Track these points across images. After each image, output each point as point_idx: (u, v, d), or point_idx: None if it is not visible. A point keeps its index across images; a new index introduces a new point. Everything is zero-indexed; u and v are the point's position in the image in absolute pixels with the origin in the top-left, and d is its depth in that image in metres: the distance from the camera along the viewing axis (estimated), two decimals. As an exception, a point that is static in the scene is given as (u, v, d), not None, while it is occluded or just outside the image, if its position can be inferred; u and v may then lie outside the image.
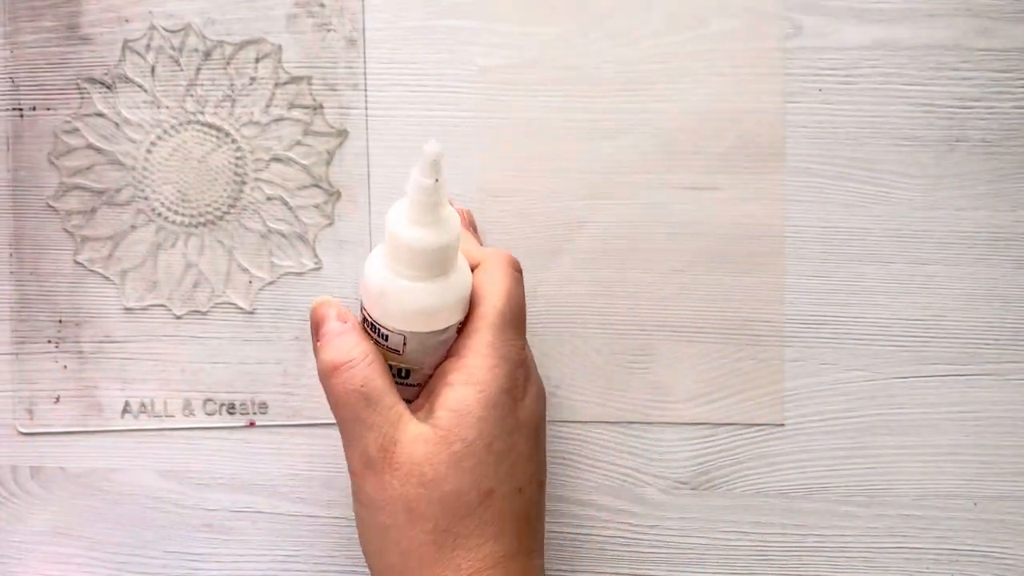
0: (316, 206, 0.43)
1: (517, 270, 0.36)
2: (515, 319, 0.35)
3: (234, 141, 0.43)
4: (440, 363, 0.35)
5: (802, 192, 0.43)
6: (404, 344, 0.33)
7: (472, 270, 0.35)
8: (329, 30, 0.43)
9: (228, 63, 0.42)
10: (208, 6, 0.43)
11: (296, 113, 0.43)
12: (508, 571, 0.32)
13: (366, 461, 0.33)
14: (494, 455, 0.33)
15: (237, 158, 0.43)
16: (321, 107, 0.43)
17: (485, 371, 0.33)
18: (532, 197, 0.43)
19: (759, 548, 0.43)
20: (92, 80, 0.43)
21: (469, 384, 0.33)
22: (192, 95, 0.43)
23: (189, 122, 0.43)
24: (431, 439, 0.32)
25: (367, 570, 0.43)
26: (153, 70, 0.42)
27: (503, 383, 0.33)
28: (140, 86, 0.43)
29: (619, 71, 0.43)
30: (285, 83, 0.43)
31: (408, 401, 0.34)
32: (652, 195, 0.43)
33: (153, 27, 0.43)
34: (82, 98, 0.43)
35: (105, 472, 0.43)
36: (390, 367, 0.34)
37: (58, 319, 0.43)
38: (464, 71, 0.43)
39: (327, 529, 0.43)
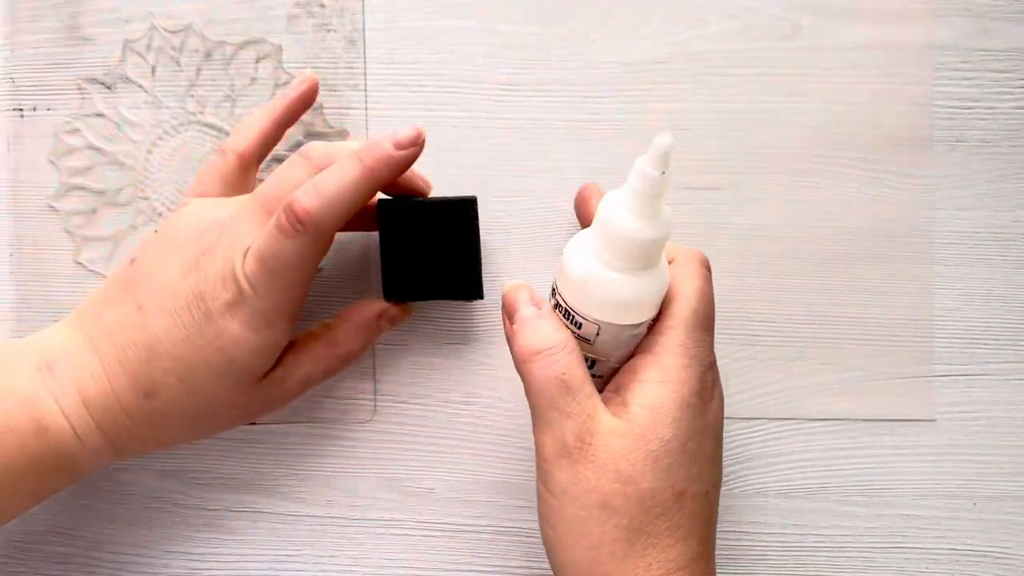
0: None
1: (708, 268, 0.36)
2: (707, 319, 0.34)
3: None
4: (627, 358, 0.35)
5: (800, 193, 0.43)
6: (597, 334, 0.33)
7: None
8: (329, 30, 0.43)
9: (229, 63, 0.42)
10: (208, 6, 0.43)
11: None
12: (694, 574, 0.32)
13: (562, 450, 0.33)
14: (688, 456, 0.33)
15: None
16: (321, 107, 0.43)
17: (679, 370, 0.33)
18: (532, 197, 0.43)
19: (759, 548, 0.43)
20: (93, 80, 0.43)
21: (664, 383, 0.33)
22: (193, 95, 0.43)
23: (190, 122, 0.43)
24: (628, 435, 0.32)
25: (366, 570, 0.43)
26: (154, 70, 0.43)
27: (695, 384, 0.33)
28: (141, 86, 0.43)
29: (620, 71, 0.43)
30: (285, 83, 0.43)
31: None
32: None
33: (154, 27, 0.43)
34: (83, 98, 0.43)
35: (105, 472, 0.43)
36: None
37: (58, 319, 0.43)
38: (464, 71, 0.43)
39: (327, 529, 0.43)
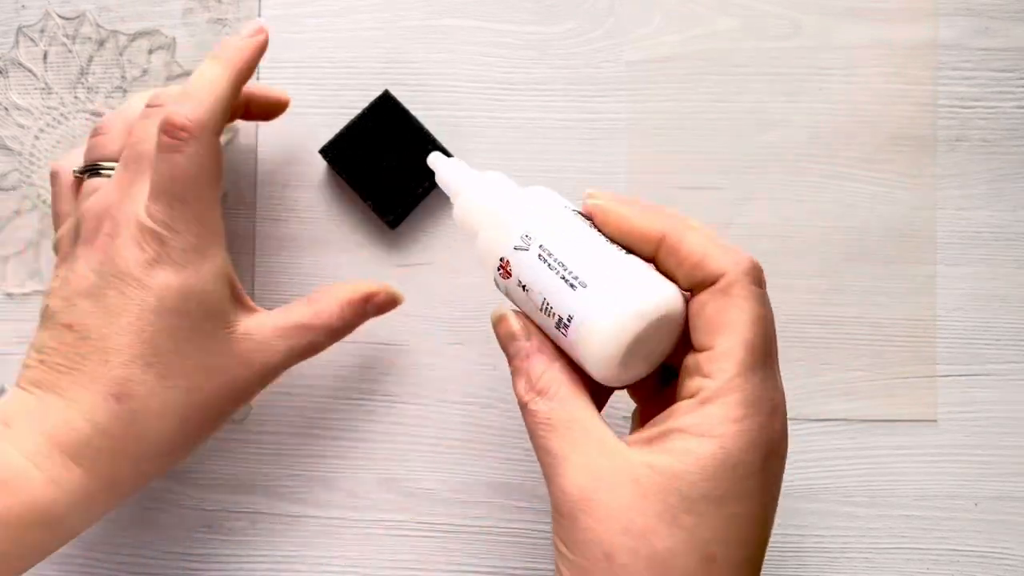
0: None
1: (760, 282, 0.30)
2: (766, 353, 0.29)
3: None
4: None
5: (800, 193, 0.43)
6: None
7: (704, 283, 0.30)
8: (224, 25, 0.43)
9: (121, 53, 0.43)
10: (104, -6, 0.43)
11: None
12: None
13: (560, 498, 0.29)
14: (725, 518, 0.28)
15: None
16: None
17: (728, 424, 0.28)
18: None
19: (760, 548, 0.43)
20: (-17, 64, 0.43)
21: (705, 436, 0.28)
22: (83, 83, 0.43)
23: (79, 110, 0.43)
24: (644, 482, 0.28)
25: (366, 571, 0.43)
26: (45, 56, 0.43)
27: (753, 437, 0.28)
28: (31, 71, 0.43)
29: (620, 71, 0.43)
30: (178, 76, 0.43)
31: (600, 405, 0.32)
32: (653, 195, 0.43)
33: (48, 13, 0.43)
34: (-28, 81, 0.43)
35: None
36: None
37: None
38: (464, 71, 0.42)
39: (326, 530, 0.43)
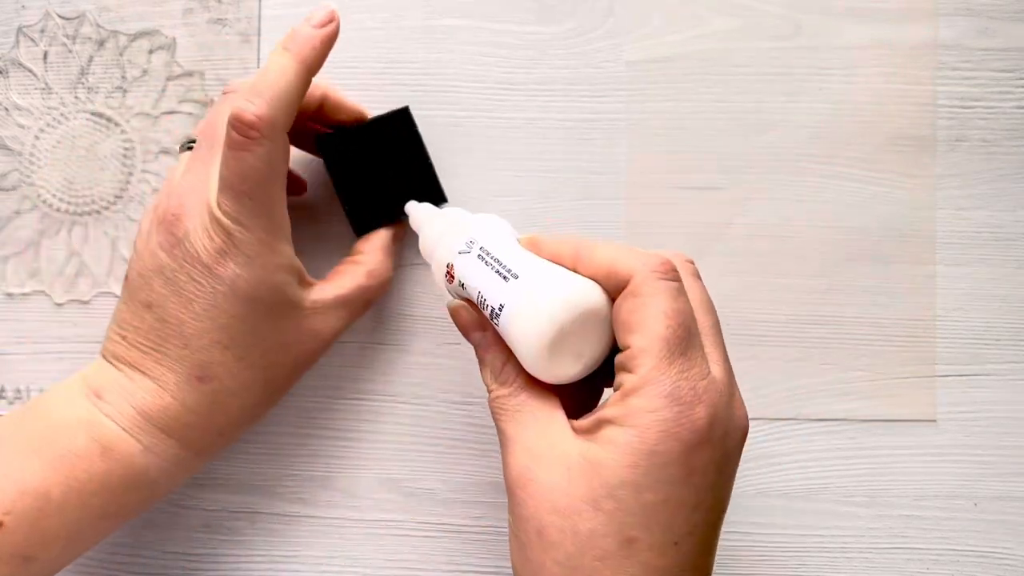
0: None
1: (674, 278, 0.31)
2: (684, 343, 0.30)
3: (123, 132, 0.43)
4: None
5: (801, 192, 0.43)
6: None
7: (619, 288, 0.31)
8: (224, 25, 0.43)
9: (121, 53, 0.42)
10: (103, -6, 0.43)
11: (187, 107, 0.43)
12: None
13: (506, 476, 0.32)
14: (642, 505, 0.29)
15: (126, 149, 0.43)
16: (212, 102, 0.42)
17: (645, 415, 0.29)
18: (533, 197, 0.43)
19: (760, 548, 0.43)
20: (-18, 64, 0.43)
21: (626, 426, 0.30)
22: (83, 84, 0.43)
23: (79, 110, 0.43)
24: (574, 467, 0.30)
25: (366, 571, 0.43)
26: (45, 56, 0.43)
27: (668, 427, 0.29)
28: (32, 71, 0.43)
29: (620, 71, 0.43)
30: (178, 76, 0.43)
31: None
32: (653, 195, 0.43)
33: (48, 13, 0.43)
34: (-29, 82, 0.43)
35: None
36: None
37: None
38: (465, 71, 0.42)
39: (325, 529, 0.43)
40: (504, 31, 0.43)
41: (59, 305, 0.43)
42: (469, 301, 0.34)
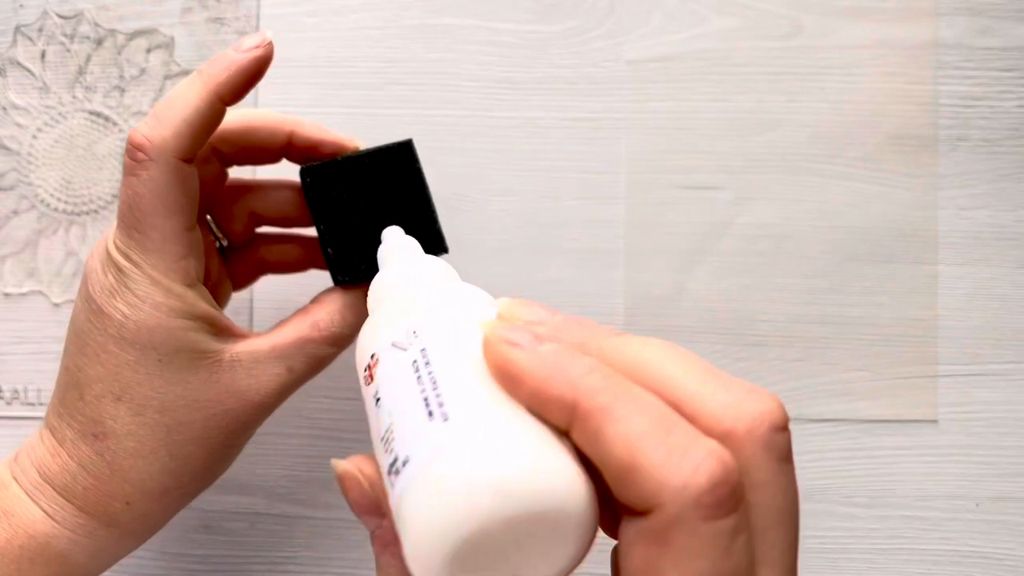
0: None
1: (727, 511, 0.20)
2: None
3: (121, 131, 0.43)
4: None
5: (801, 192, 0.42)
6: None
7: (633, 507, 0.20)
8: (222, 24, 0.42)
9: (119, 52, 0.42)
10: (101, -7, 0.43)
11: None
12: None
13: None
14: None
15: (124, 149, 0.43)
16: None
17: None
18: (532, 197, 0.42)
19: (760, 549, 0.43)
20: (-21, 64, 0.43)
21: None
22: (81, 83, 0.43)
23: (77, 110, 0.43)
24: None
25: (366, 572, 0.42)
26: (43, 55, 0.42)
27: None
28: (29, 71, 0.42)
29: (620, 70, 0.42)
30: (175, 75, 0.43)
31: None
32: (653, 195, 0.43)
33: (46, 12, 0.43)
34: (-33, 81, 0.43)
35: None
36: None
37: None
38: (464, 70, 0.42)
39: (325, 531, 0.43)
40: (504, 30, 0.43)
41: (57, 305, 0.43)
42: (374, 434, 0.24)
